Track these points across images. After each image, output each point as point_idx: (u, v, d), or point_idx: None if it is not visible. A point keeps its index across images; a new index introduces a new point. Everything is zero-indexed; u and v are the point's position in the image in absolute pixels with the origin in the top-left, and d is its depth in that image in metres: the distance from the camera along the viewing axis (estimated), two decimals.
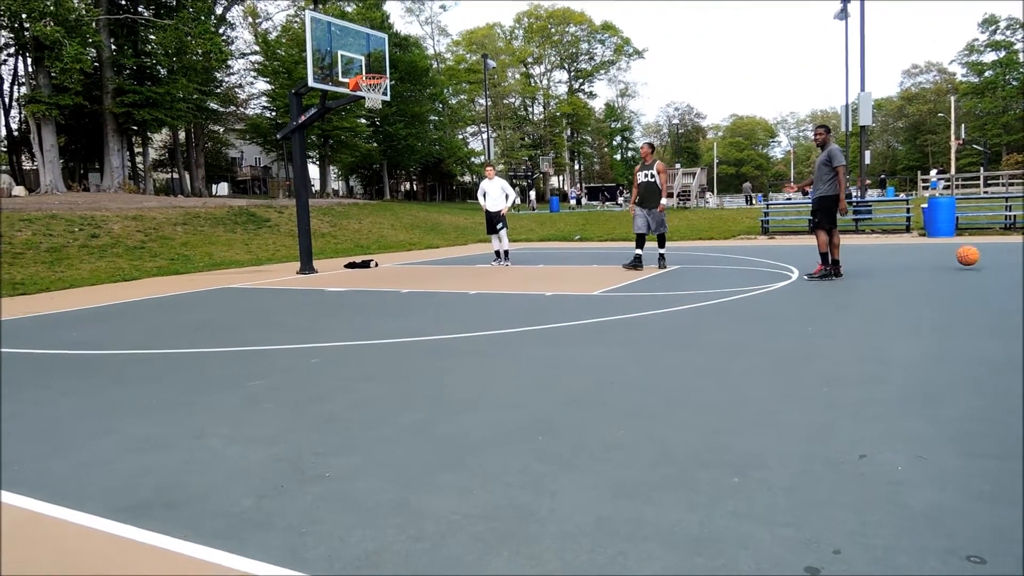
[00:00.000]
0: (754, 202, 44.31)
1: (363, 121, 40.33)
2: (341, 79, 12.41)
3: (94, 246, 14.87)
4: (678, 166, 50.70)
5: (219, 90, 35.27)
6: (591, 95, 77.68)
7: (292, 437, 3.46)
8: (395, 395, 4.21)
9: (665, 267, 11.37)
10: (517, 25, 73.82)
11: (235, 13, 37.75)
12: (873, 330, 5.71)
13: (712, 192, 54.93)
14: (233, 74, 38.61)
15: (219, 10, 33.77)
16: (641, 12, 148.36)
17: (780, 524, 2.35)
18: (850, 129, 26.40)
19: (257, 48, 38.16)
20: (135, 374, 5.02)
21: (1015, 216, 19.08)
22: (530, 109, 71.87)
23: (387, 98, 13.25)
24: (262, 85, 39.21)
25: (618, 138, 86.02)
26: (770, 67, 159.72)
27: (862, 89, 23.87)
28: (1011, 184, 38.20)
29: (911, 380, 4.11)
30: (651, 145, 11.61)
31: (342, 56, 12.46)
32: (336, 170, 50.45)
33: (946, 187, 37.55)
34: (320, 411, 3.91)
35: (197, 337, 6.50)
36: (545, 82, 74.79)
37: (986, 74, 73.21)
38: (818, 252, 9.31)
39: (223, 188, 43.00)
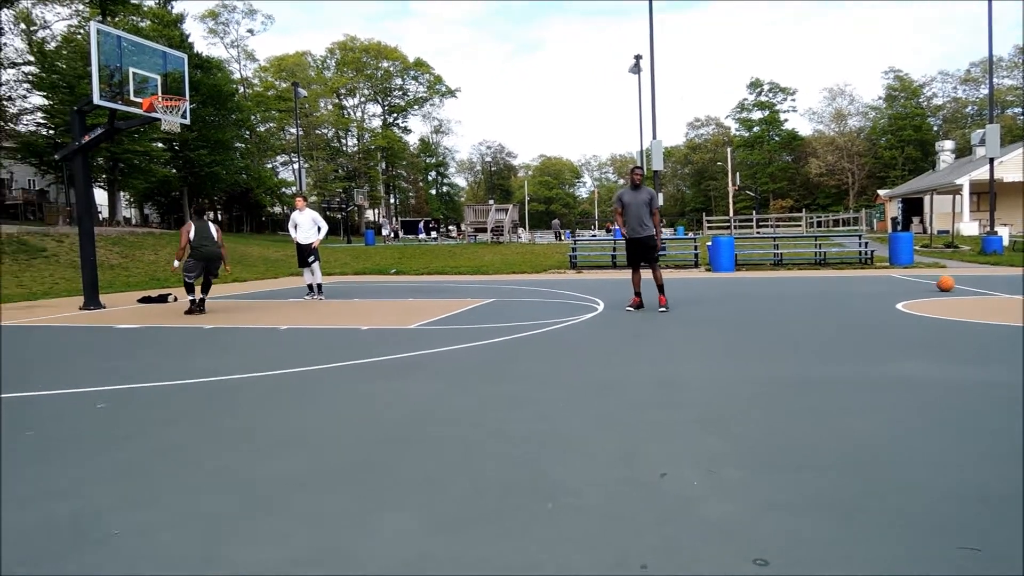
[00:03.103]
0: (563, 238, 46.71)
1: (160, 145, 37.47)
2: (133, 98, 11.50)
3: None
4: (491, 202, 52.29)
5: None
6: (406, 130, 78.33)
7: (76, 493, 3.07)
8: (199, 439, 3.89)
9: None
10: (329, 56, 72.82)
11: (5, 17, 33.66)
12: (669, 356, 6.21)
13: (524, 228, 57.19)
14: (1, 85, 34.24)
15: None
16: (454, 52, 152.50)
17: (592, 546, 2.46)
18: (643, 172, 28.76)
19: (32, 58, 34.20)
20: None
21: (781, 254, 21.78)
22: (344, 141, 70.82)
23: (186, 121, 12.44)
24: (37, 99, 35.14)
25: (433, 173, 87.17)
26: (575, 112, 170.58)
27: (654, 137, 26.20)
28: (778, 226, 43.63)
29: (703, 402, 4.51)
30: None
31: (135, 74, 11.56)
32: (128, 196, 46.29)
33: (725, 227, 41.99)
34: (111, 461, 3.51)
35: None
36: (359, 114, 74.24)
37: (754, 130, 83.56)
38: (634, 288, 10.05)
39: None
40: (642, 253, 9.85)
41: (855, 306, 10.05)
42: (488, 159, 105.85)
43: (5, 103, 34.52)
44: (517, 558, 2.37)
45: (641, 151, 29.99)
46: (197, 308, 10.63)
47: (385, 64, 73.15)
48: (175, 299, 13.07)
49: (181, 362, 6.53)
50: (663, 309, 9.70)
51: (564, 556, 2.38)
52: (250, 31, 74.37)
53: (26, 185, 46.60)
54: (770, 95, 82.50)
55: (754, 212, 53.02)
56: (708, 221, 46.43)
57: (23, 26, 35.56)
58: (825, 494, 2.88)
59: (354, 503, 2.91)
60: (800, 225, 43.46)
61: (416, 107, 78.29)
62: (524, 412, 4.37)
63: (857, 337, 7.09)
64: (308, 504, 2.91)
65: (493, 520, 2.70)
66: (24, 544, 2.56)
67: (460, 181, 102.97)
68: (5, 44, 34.16)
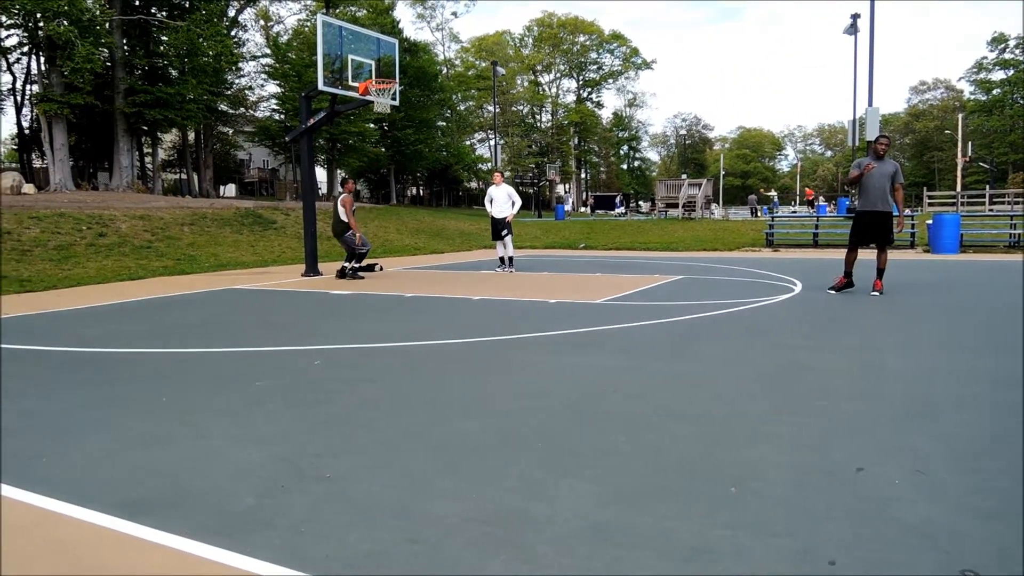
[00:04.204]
0: (759, 214, 44.27)
1: (371, 125, 40.46)
2: (351, 83, 12.49)
3: (101, 245, 14.95)
4: (684, 177, 50.78)
5: (229, 92, 35.44)
6: (599, 104, 77.72)
7: (294, 438, 3.49)
8: (396, 398, 4.24)
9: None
10: (527, 33, 74.08)
11: (247, 15, 38.02)
12: (873, 344, 5.73)
13: (718, 203, 54.95)
14: (243, 76, 38.81)
15: (231, 12, 33.99)
16: (651, 22, 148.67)
17: (775, 534, 2.37)
18: (857, 144, 26.42)
19: (268, 51, 38.38)
20: (139, 372, 5.06)
21: (1019, 235, 19.06)
22: (538, 117, 71.98)
23: (396, 103, 13.33)
24: (272, 88, 39.43)
25: (625, 147, 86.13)
26: (778, 80, 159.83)
27: (870, 104, 23.92)
28: (1016, 203, 38.10)
29: (909, 395, 4.13)
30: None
31: (352, 60, 12.54)
32: (344, 174, 50.68)
33: (950, 204, 37.47)
34: (322, 412, 3.94)
35: (201, 337, 6.54)
36: (553, 90, 74.90)
37: (994, 92, 73.05)
38: (846, 267, 9.16)
39: (231, 189, 43.20)
40: (876, 231, 8.88)
41: None
42: (683, 132, 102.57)
43: (247, 92, 39.14)
44: (691, 539, 2.35)
45: (854, 120, 27.49)
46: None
47: (581, 38, 73.06)
48: (381, 268, 14.17)
49: (383, 326, 7.11)
50: (876, 293, 8.88)
51: (742, 541, 2.32)
52: (454, 13, 77.57)
53: (261, 164, 52.64)
54: (1016, 51, 71.69)
55: (987, 187, 46.72)
56: (929, 197, 41.69)
57: (262, 23, 39.99)
58: None
59: (534, 469, 3.02)
60: None
61: (610, 80, 77.51)
62: (708, 392, 4.27)
63: None
64: (490, 466, 3.07)
65: (670, 498, 2.69)
66: (255, 477, 2.96)
67: (652, 155, 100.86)
68: (247, 40, 38.68)
